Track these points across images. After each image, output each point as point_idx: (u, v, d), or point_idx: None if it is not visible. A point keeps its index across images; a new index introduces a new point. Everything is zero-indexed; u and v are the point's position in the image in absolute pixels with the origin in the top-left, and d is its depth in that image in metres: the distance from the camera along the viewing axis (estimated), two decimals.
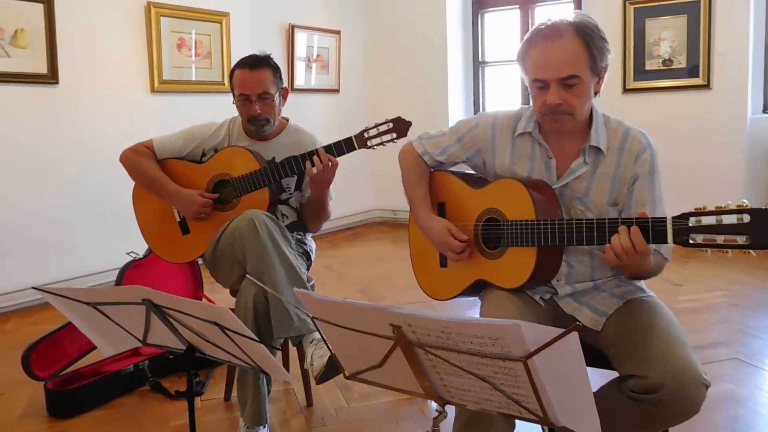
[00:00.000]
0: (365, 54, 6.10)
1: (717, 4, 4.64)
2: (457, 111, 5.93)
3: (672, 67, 4.85)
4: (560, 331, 0.90)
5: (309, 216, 2.31)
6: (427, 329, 1.02)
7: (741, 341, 2.88)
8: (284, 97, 2.29)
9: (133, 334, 1.58)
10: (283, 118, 2.34)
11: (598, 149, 1.59)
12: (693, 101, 4.80)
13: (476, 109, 6.07)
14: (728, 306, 3.39)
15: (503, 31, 5.90)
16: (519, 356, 0.95)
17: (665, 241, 1.32)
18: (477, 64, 6.00)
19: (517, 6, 5.66)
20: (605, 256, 1.41)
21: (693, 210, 1.29)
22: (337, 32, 5.70)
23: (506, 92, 6.01)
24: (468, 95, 6.06)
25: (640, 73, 4.95)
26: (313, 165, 2.07)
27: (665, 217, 1.33)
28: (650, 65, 4.92)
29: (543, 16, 5.48)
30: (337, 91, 5.81)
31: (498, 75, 6.04)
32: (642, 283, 1.63)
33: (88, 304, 1.50)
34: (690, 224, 1.28)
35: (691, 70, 4.78)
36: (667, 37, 4.84)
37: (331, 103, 5.77)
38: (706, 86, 4.75)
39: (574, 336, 0.88)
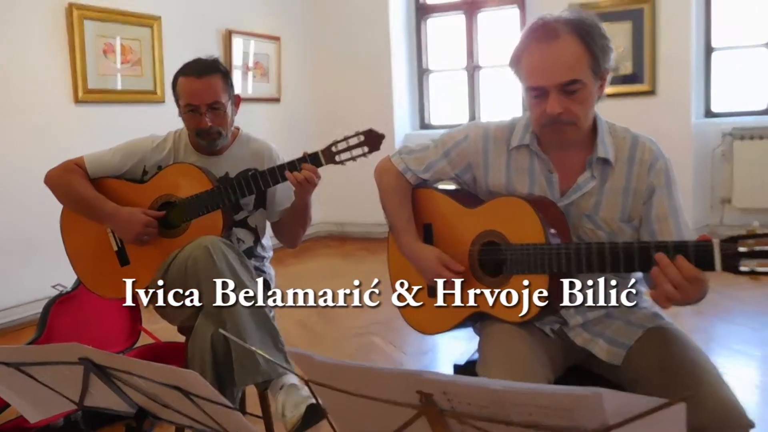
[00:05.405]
0: (307, 61, 5.84)
1: (660, 10, 4.69)
2: (403, 119, 5.76)
3: (618, 73, 4.85)
4: (654, 401, 0.70)
5: (291, 226, 2.06)
6: (469, 397, 0.80)
7: None
8: (237, 105, 2.03)
9: (66, 396, 1.29)
10: (234, 127, 2.07)
11: (605, 161, 1.43)
12: (639, 107, 4.80)
13: (421, 118, 5.92)
14: None
15: (448, 38, 5.78)
16: (592, 429, 0.75)
17: (712, 268, 1.15)
18: (421, 72, 5.86)
19: (462, 11, 5.56)
20: (654, 298, 1.20)
21: (745, 233, 1.12)
22: (277, 38, 5.43)
23: (451, 100, 5.90)
24: (414, 103, 5.90)
25: None
26: (283, 180, 1.86)
27: (710, 241, 1.15)
28: None
29: (487, 21, 5.52)
30: (278, 100, 5.52)
31: (443, 82, 5.92)
32: (658, 309, 1.47)
33: (8, 365, 1.20)
34: (741, 249, 1.11)
35: (637, 77, 4.81)
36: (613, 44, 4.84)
37: (273, 112, 5.47)
38: (652, 92, 4.79)
39: (681, 407, 0.68)
